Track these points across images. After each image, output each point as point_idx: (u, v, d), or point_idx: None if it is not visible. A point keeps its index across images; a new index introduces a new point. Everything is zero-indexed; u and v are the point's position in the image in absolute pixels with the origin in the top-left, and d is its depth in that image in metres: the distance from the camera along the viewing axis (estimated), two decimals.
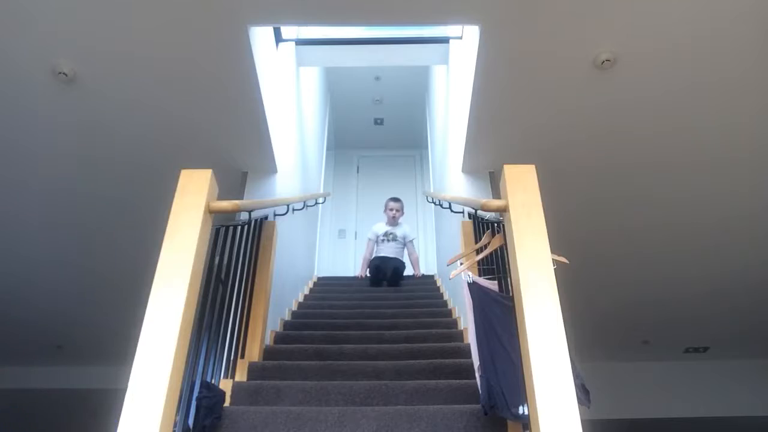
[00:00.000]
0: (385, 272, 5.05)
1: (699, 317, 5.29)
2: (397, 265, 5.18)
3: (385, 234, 5.37)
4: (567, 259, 1.98)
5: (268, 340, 3.34)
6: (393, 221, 5.42)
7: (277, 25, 3.92)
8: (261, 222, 3.19)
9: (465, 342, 3.19)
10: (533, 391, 1.30)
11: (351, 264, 7.31)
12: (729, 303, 5.03)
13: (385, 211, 5.47)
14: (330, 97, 7.35)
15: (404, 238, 5.39)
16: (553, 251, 1.52)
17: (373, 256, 5.31)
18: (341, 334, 3.38)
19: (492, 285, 2.09)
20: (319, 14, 2.91)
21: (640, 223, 4.19)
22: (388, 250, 5.29)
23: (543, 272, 1.46)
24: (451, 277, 2.34)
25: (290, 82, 4.52)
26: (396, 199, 5.47)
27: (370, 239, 5.45)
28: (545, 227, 1.53)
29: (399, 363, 2.61)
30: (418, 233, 7.67)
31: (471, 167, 3.96)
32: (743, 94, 3.16)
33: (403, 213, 5.48)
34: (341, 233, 7.69)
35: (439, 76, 5.74)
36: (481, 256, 2.35)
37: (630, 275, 4.75)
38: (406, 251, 5.40)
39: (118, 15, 2.74)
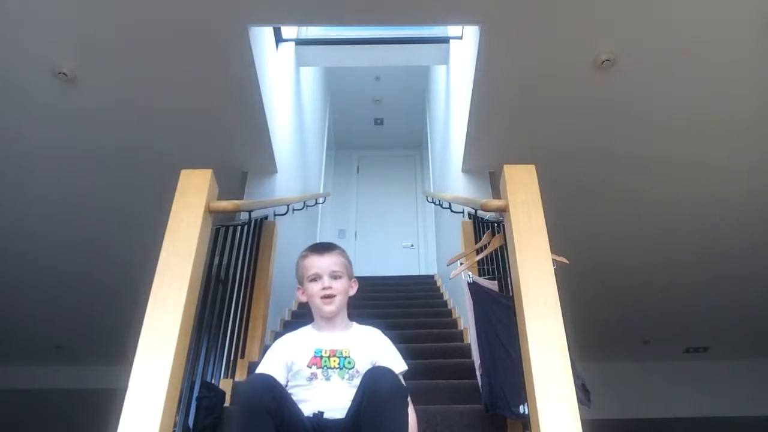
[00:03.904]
0: None
1: (699, 317, 5.29)
2: None
3: (319, 358, 1.51)
4: (567, 259, 1.98)
5: (268, 340, 3.34)
6: (330, 318, 1.58)
7: (277, 25, 3.92)
8: (261, 222, 3.19)
9: (465, 342, 3.19)
10: (533, 391, 1.30)
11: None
12: (729, 303, 5.03)
13: (301, 284, 1.62)
14: (330, 97, 7.35)
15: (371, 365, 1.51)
16: (553, 251, 1.52)
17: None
18: None
19: (492, 285, 2.08)
20: (319, 14, 2.91)
21: (641, 222, 4.19)
22: (334, 398, 1.44)
23: (543, 272, 1.46)
24: (451, 277, 2.34)
25: (290, 82, 4.52)
26: (325, 247, 1.66)
27: (274, 369, 1.50)
28: (545, 227, 1.53)
29: None
30: (417, 233, 7.70)
31: (471, 167, 3.96)
32: (743, 94, 3.16)
33: (353, 282, 1.65)
34: (341, 233, 7.69)
35: (439, 76, 5.74)
36: (481, 256, 2.35)
37: (630, 275, 4.75)
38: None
39: (118, 15, 2.74)
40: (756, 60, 2.96)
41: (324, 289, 1.55)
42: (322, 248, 1.63)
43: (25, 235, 4.26)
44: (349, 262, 1.65)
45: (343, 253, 1.64)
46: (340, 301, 1.56)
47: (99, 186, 3.84)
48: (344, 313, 1.61)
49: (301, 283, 1.62)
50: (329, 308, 1.55)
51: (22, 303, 5.04)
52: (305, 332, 1.61)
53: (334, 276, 1.57)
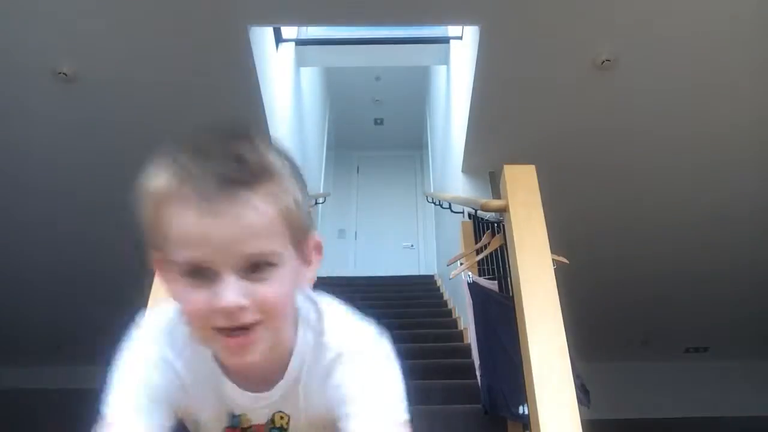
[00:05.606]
0: None
1: (699, 317, 5.28)
2: None
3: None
4: (567, 259, 1.98)
5: None
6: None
7: (277, 26, 3.92)
8: None
9: (465, 342, 3.19)
10: (533, 391, 1.30)
11: (351, 263, 7.32)
12: (729, 303, 5.03)
13: (159, 257, 0.64)
14: (330, 97, 7.35)
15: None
16: (553, 251, 1.52)
17: None
18: None
19: (492, 285, 2.09)
20: (319, 15, 2.91)
21: (640, 222, 4.19)
22: None
23: (543, 272, 1.46)
24: (451, 276, 2.35)
25: (290, 82, 4.52)
26: (226, 179, 0.57)
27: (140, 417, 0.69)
28: (545, 227, 1.53)
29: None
30: (417, 234, 7.69)
31: (471, 167, 3.96)
32: (743, 93, 3.16)
33: (312, 246, 0.69)
34: (341, 233, 7.69)
35: (439, 76, 5.74)
36: (481, 256, 2.35)
37: (630, 275, 4.74)
38: None
39: (118, 16, 2.74)
40: (757, 60, 2.96)
41: (225, 314, 0.59)
42: (214, 188, 0.59)
43: (25, 234, 4.26)
44: (299, 201, 0.64)
45: (278, 178, 0.62)
46: (269, 339, 0.64)
47: (98, 185, 3.84)
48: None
49: (158, 250, 0.66)
50: (239, 359, 0.64)
51: (23, 303, 5.04)
52: (202, 361, 0.73)
53: (256, 267, 0.60)
